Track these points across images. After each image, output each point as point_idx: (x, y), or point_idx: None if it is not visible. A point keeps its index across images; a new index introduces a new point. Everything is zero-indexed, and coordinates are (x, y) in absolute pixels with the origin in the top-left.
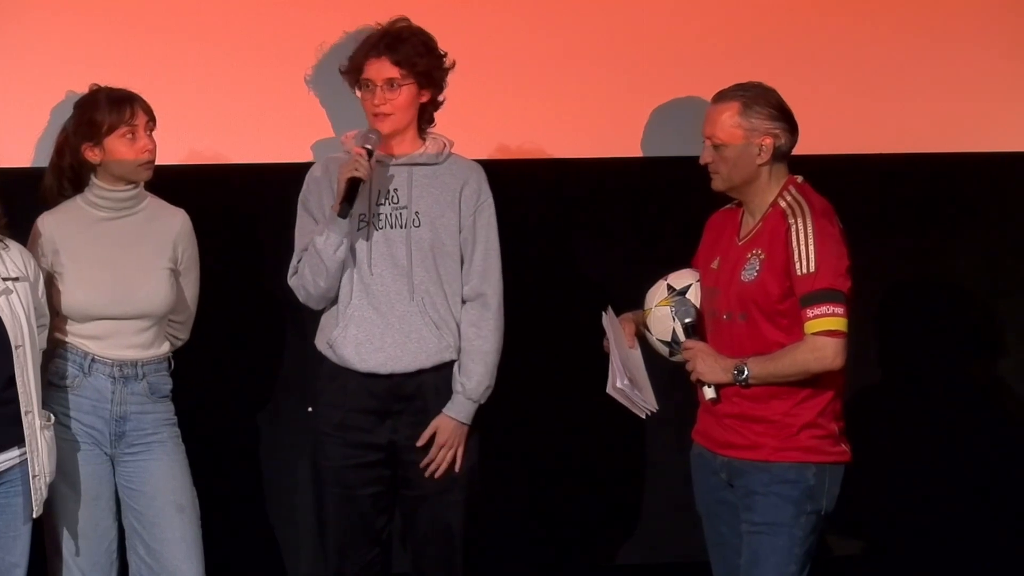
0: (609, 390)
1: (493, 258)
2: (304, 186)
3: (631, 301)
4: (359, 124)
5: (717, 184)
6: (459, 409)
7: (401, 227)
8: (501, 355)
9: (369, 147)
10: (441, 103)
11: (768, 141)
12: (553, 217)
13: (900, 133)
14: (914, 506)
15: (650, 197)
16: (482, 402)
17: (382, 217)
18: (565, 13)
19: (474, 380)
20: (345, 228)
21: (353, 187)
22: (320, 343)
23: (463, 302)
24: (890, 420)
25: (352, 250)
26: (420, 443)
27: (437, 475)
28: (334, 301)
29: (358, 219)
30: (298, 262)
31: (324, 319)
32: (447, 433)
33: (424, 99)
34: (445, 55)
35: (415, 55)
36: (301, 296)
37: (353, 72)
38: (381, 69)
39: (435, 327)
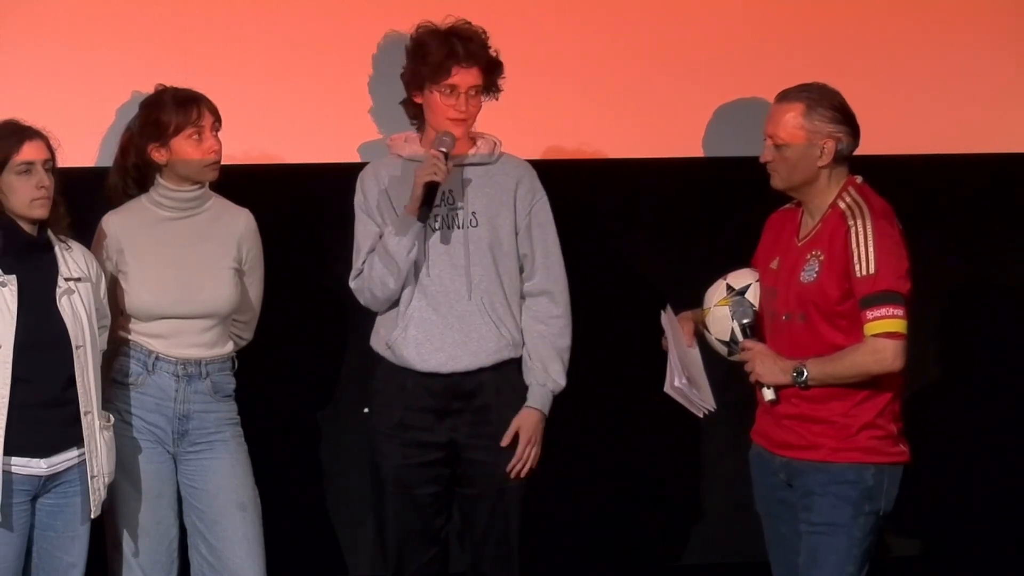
0: (667, 389)
1: (554, 254)
2: (358, 190)
3: (691, 300)
4: (407, 126)
5: (776, 183)
6: (541, 400)
7: (458, 227)
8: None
9: (444, 150)
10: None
11: (830, 144)
12: (614, 217)
13: (961, 133)
14: (973, 507)
15: (711, 197)
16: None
17: (438, 218)
18: (626, 12)
19: (553, 373)
20: (418, 230)
21: (431, 191)
22: (377, 344)
23: (523, 298)
24: (950, 421)
25: None
26: (505, 443)
27: (524, 474)
28: (393, 303)
29: None
30: (362, 264)
31: (380, 321)
32: (532, 426)
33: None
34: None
35: (496, 69)
36: (364, 298)
37: (436, 74)
38: (469, 77)
39: (494, 326)
